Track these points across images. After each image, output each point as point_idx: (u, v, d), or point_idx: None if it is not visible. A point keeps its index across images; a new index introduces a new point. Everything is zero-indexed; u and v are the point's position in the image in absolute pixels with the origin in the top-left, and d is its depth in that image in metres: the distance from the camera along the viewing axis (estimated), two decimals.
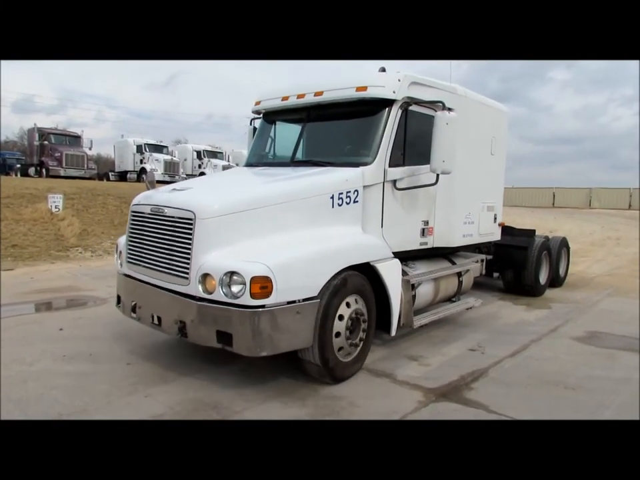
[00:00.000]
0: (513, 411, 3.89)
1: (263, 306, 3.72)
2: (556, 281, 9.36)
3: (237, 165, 30.62)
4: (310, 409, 3.92)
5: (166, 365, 4.76)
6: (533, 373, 4.80)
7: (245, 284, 3.67)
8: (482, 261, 7.19)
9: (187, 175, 29.15)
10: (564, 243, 9.81)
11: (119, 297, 4.95)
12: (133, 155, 28.63)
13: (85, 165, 26.01)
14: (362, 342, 4.57)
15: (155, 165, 27.30)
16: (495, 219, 7.27)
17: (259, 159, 6.10)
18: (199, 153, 30.78)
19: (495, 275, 8.60)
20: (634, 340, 5.95)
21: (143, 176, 26.63)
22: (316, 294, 4.03)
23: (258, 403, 3.99)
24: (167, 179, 26.64)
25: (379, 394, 4.24)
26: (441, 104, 5.02)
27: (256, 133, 6.36)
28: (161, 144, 29.77)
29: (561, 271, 9.68)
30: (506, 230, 8.46)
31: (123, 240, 4.97)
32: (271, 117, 6.08)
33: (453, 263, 6.36)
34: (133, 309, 4.60)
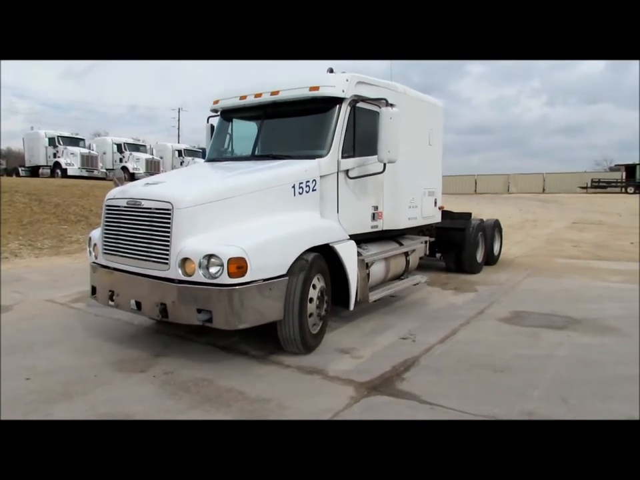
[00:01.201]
0: (445, 400, 3.84)
1: (239, 284, 4.14)
2: (491, 259, 10.16)
3: (162, 157, 29.42)
4: (235, 414, 3.63)
5: (70, 378, 4.27)
6: (463, 357, 4.81)
7: (222, 265, 4.07)
8: (425, 242, 7.83)
9: (107, 169, 27.49)
10: (497, 225, 10.68)
11: (93, 288, 5.20)
12: (45, 149, 26.66)
13: None
14: (323, 318, 5.08)
15: (70, 159, 25.50)
16: (435, 203, 7.97)
17: (219, 154, 6.51)
18: (119, 145, 29.18)
19: (437, 255, 9.36)
20: (553, 317, 6.18)
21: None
22: (285, 272, 4.50)
23: (178, 412, 3.63)
24: (85, 173, 25.04)
25: (310, 392, 4.05)
26: (384, 101, 5.60)
27: (214, 130, 6.74)
28: (77, 136, 27.83)
29: (495, 250, 10.50)
30: (446, 214, 9.26)
31: (96, 233, 5.27)
32: (229, 114, 6.48)
33: (400, 245, 6.95)
34: (110, 297, 4.86)
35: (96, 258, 5.19)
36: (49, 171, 26.23)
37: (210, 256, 4.13)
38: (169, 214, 4.33)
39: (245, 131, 6.35)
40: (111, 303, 4.89)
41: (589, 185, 44.29)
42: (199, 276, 4.17)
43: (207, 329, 5.18)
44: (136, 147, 29.60)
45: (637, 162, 45.97)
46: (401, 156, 5.90)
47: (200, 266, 4.15)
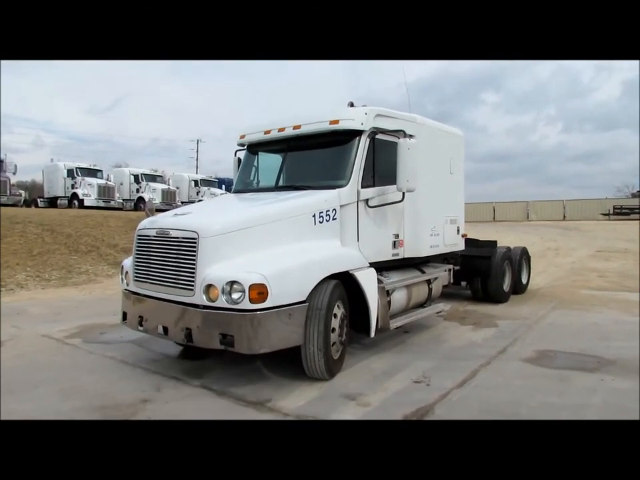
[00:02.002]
0: None
1: (260, 309, 4.29)
2: (519, 287, 10.01)
3: (178, 188, 29.56)
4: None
5: None
6: (484, 405, 4.29)
7: (244, 291, 4.25)
8: (449, 270, 7.92)
9: (123, 199, 27.67)
10: (524, 252, 10.49)
11: (124, 314, 5.43)
12: (64, 180, 26.80)
13: (8, 191, 24.14)
14: (344, 343, 5.19)
15: (87, 189, 25.78)
16: (458, 230, 8.01)
17: (245, 186, 6.79)
18: (136, 176, 29.32)
19: (463, 283, 9.28)
20: (584, 357, 5.63)
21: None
22: (304, 298, 4.64)
23: None
24: (102, 204, 25.21)
25: None
26: (402, 132, 5.76)
27: (241, 163, 7.06)
28: (95, 167, 28.08)
29: (523, 279, 10.37)
30: (471, 242, 9.27)
31: (128, 262, 5.52)
32: (255, 148, 6.80)
33: (423, 272, 6.99)
34: (140, 323, 5.09)
35: (127, 285, 5.43)
36: (66, 201, 26.33)
37: (232, 282, 4.31)
38: (195, 243, 4.56)
39: (269, 164, 6.63)
40: (140, 328, 5.11)
41: (611, 212, 43.11)
42: (222, 302, 4.34)
43: (203, 371, 5.18)
44: (152, 178, 29.72)
45: None
46: (421, 185, 6.12)
47: (223, 292, 4.33)
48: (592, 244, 21.38)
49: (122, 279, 5.59)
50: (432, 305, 7.16)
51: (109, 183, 27.54)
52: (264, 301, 4.29)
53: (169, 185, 30.09)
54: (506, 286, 9.39)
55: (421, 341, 6.48)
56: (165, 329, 4.79)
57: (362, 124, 5.73)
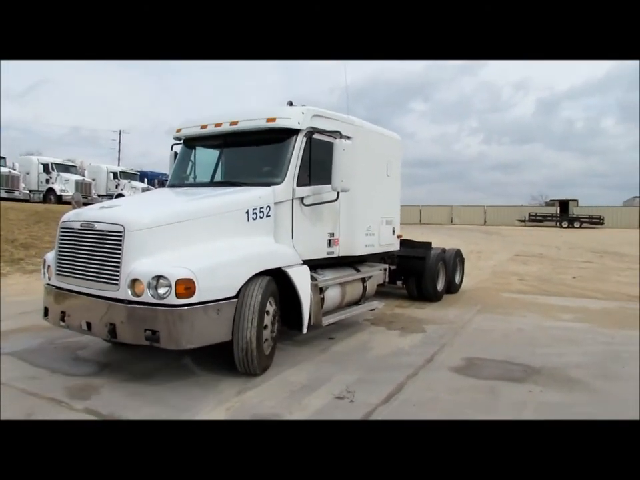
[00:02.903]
0: None
1: (187, 304, 4.23)
2: (452, 287, 10.33)
3: (94, 180, 27.44)
4: None
5: None
6: None
7: (170, 286, 4.17)
8: (385, 269, 8.14)
9: (30, 190, 25.20)
10: (458, 254, 10.89)
11: (46, 309, 5.19)
12: None
13: None
14: (275, 339, 5.20)
15: None
16: (394, 231, 8.17)
17: (180, 180, 6.68)
18: (45, 165, 26.37)
19: (399, 283, 9.52)
20: (511, 365, 5.46)
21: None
22: (234, 294, 4.62)
23: None
24: (4, 195, 22.72)
25: None
26: (338, 133, 5.86)
27: (177, 157, 6.92)
28: None
29: (457, 279, 10.72)
30: (407, 243, 9.60)
31: (50, 255, 5.32)
32: (191, 142, 6.69)
33: (358, 271, 7.11)
34: (62, 319, 4.88)
35: (49, 279, 5.21)
36: None
37: (159, 277, 4.22)
38: (121, 236, 4.44)
39: (206, 159, 6.56)
40: (62, 323, 4.91)
41: (527, 218, 45.86)
42: (147, 296, 4.25)
43: (92, 390, 4.55)
44: (65, 168, 26.76)
45: (570, 198, 48.19)
46: (357, 185, 6.32)
47: (149, 287, 4.24)
48: (511, 248, 22.37)
49: (44, 273, 5.40)
50: (366, 302, 7.29)
51: (12, 171, 24.60)
52: (191, 296, 4.23)
53: (84, 176, 27.77)
54: (440, 286, 9.66)
55: (346, 349, 6.04)
56: (89, 325, 4.63)
57: (299, 123, 5.75)
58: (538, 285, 11.95)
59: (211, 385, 4.63)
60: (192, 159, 6.71)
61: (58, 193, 25.17)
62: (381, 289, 9.15)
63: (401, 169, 8.45)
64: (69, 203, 23.88)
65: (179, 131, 6.67)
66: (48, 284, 5.23)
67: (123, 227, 4.44)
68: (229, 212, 5.14)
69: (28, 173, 26.05)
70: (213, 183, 6.12)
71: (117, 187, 28.79)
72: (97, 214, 4.87)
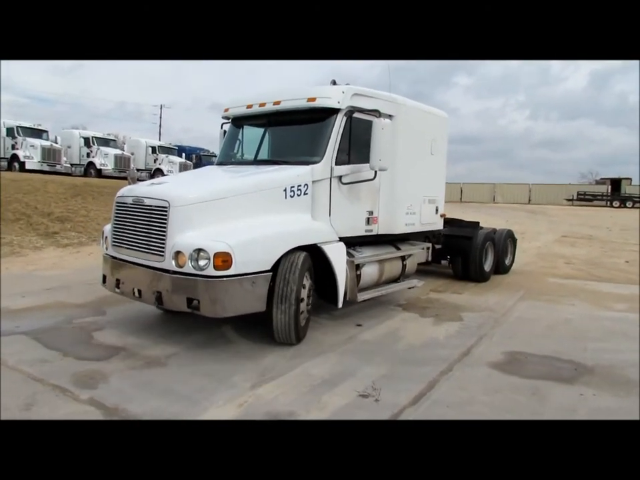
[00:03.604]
0: None
1: (224, 276, 4.50)
2: (501, 268, 10.10)
3: (133, 154, 27.74)
4: None
5: None
6: None
7: (209, 258, 4.46)
8: (427, 248, 8.11)
9: (72, 164, 25.66)
10: (509, 235, 10.59)
11: (104, 276, 5.63)
12: (3, 140, 24.16)
13: None
14: (309, 311, 5.45)
15: (30, 151, 23.39)
16: (437, 210, 8.11)
17: (228, 158, 6.92)
18: (87, 139, 26.68)
19: (444, 262, 9.43)
20: (558, 362, 4.90)
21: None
22: (269, 268, 4.84)
23: None
24: (46, 168, 23.25)
25: None
26: (377, 112, 5.89)
27: (225, 135, 7.15)
28: (39, 127, 25.36)
29: (507, 261, 10.48)
30: (454, 222, 9.67)
31: (108, 227, 5.70)
32: (238, 122, 6.91)
33: (398, 249, 7.14)
34: (117, 285, 5.32)
35: (107, 249, 5.63)
36: (6, 164, 23.60)
37: (199, 250, 4.53)
38: (166, 211, 4.75)
39: (252, 137, 6.68)
40: (117, 290, 5.35)
41: (575, 198, 43.59)
42: (189, 267, 4.55)
43: (100, 378, 4.29)
44: (105, 142, 27.03)
45: (622, 176, 45.52)
46: (398, 164, 6.48)
47: (190, 258, 4.54)
48: (557, 229, 21.18)
49: (102, 244, 5.84)
50: (406, 280, 7.31)
51: (54, 145, 24.89)
52: (228, 269, 4.50)
53: (123, 150, 28.07)
54: (487, 266, 9.48)
55: (374, 338, 5.58)
56: (140, 292, 5.02)
57: (338, 102, 5.80)
58: (587, 270, 11.16)
59: (226, 376, 4.31)
60: (239, 137, 6.92)
61: (98, 166, 25.55)
62: (425, 267, 9.31)
63: (447, 147, 8.30)
64: (109, 177, 24.31)
65: (226, 110, 6.90)
66: (105, 254, 5.67)
67: (168, 203, 4.76)
68: (267, 189, 5.35)
69: (69, 147, 26.32)
70: (256, 161, 6.32)
71: (155, 161, 28.96)
72: (147, 190, 5.24)
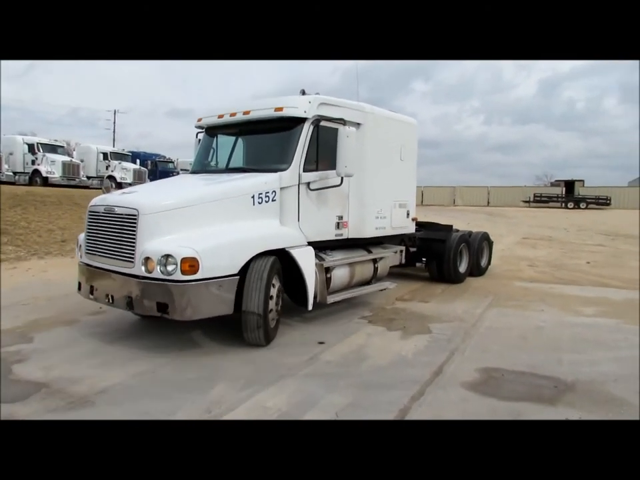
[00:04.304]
0: None
1: (191, 280, 4.71)
2: (477, 270, 10.26)
3: (82, 161, 26.39)
4: None
5: None
6: None
7: (177, 264, 4.66)
8: (401, 251, 8.40)
9: (14, 172, 24.19)
10: (485, 237, 10.78)
11: (79, 284, 5.77)
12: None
13: None
14: (279, 313, 5.60)
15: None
16: (408, 214, 8.28)
17: (201, 166, 7.10)
18: (31, 145, 25.11)
19: (418, 264, 9.56)
20: (536, 379, 4.55)
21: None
22: (236, 272, 5.02)
23: None
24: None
25: None
26: (342, 120, 6.13)
27: (199, 144, 7.31)
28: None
29: (483, 262, 10.67)
30: (430, 225, 10.09)
31: (82, 235, 5.84)
32: (211, 131, 7.08)
33: (369, 252, 7.33)
34: (91, 292, 5.47)
35: (81, 257, 5.78)
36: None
37: (167, 256, 4.69)
38: (135, 219, 4.93)
39: (225, 146, 6.93)
40: (91, 296, 5.48)
41: (532, 199, 44.64)
42: (158, 273, 4.71)
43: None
44: (52, 148, 25.56)
45: (575, 178, 47.04)
46: (366, 170, 6.72)
47: (159, 264, 4.70)
48: (517, 230, 21.47)
49: (77, 251, 5.99)
50: (378, 283, 7.48)
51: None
52: (195, 273, 4.67)
53: (72, 157, 26.58)
54: (462, 268, 9.69)
55: (337, 358, 5.07)
56: (112, 298, 5.16)
57: (305, 112, 6.01)
58: (551, 272, 11.16)
59: (164, 416, 3.68)
60: (213, 146, 7.08)
61: (44, 174, 24.11)
62: (403, 270, 9.65)
63: (417, 152, 8.50)
64: (56, 185, 23.00)
65: (199, 120, 7.08)
66: (80, 262, 5.81)
67: (137, 211, 4.93)
68: (235, 197, 5.51)
69: (11, 154, 24.85)
70: (228, 169, 6.54)
71: (107, 168, 27.66)
72: (118, 199, 5.40)
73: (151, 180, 28.78)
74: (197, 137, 7.46)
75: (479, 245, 10.28)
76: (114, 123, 54.93)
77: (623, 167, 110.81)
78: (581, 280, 10.09)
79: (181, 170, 31.16)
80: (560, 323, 6.56)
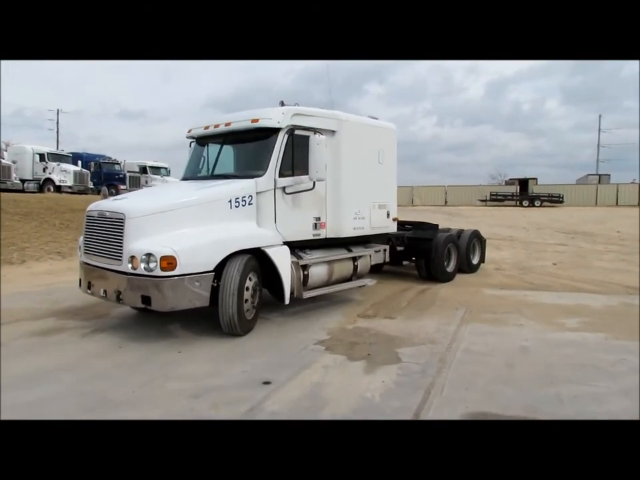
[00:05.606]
0: None
1: (170, 276, 5.30)
2: (468, 267, 10.60)
3: (15, 162, 24.21)
4: None
5: None
6: None
7: (157, 261, 5.26)
8: (384, 250, 8.77)
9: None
10: (476, 235, 11.08)
11: (80, 280, 6.47)
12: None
13: None
14: (256, 307, 6.19)
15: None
16: (388, 214, 8.63)
17: (191, 174, 7.74)
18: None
19: (405, 263, 10.10)
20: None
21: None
22: (211, 269, 5.61)
23: None
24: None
25: None
26: (313, 130, 6.72)
27: (190, 153, 8.00)
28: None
29: (474, 260, 10.95)
30: (418, 225, 10.52)
31: (81, 238, 6.57)
32: (200, 141, 7.77)
33: (349, 251, 7.77)
34: (89, 287, 6.16)
35: (81, 257, 6.48)
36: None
37: (149, 254, 5.32)
38: (122, 222, 5.60)
39: (211, 155, 7.49)
40: (88, 291, 6.19)
41: (488, 198, 44.93)
42: (141, 269, 5.36)
43: None
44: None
45: (528, 177, 47.76)
46: (343, 174, 7.27)
47: (142, 262, 5.34)
48: None
49: (78, 251, 6.66)
50: (357, 280, 7.93)
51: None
52: (173, 270, 5.29)
53: (2, 158, 24.25)
54: (450, 267, 9.95)
55: (285, 407, 3.95)
56: (106, 292, 5.82)
57: (279, 122, 6.54)
58: (519, 276, 10.71)
59: None
60: (204, 155, 7.65)
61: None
62: (395, 269, 10.29)
63: (396, 155, 8.92)
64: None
65: (189, 131, 7.76)
66: (80, 261, 6.48)
67: (124, 215, 5.58)
68: (214, 201, 6.08)
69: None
70: (213, 176, 7.10)
71: (44, 170, 25.75)
72: (109, 204, 6.09)
73: (95, 183, 26.94)
74: (190, 146, 8.06)
75: (469, 243, 10.60)
76: (57, 123, 51.98)
77: (567, 166, 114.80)
78: (553, 284, 9.63)
79: (128, 172, 29.28)
80: (545, 342, 5.75)
